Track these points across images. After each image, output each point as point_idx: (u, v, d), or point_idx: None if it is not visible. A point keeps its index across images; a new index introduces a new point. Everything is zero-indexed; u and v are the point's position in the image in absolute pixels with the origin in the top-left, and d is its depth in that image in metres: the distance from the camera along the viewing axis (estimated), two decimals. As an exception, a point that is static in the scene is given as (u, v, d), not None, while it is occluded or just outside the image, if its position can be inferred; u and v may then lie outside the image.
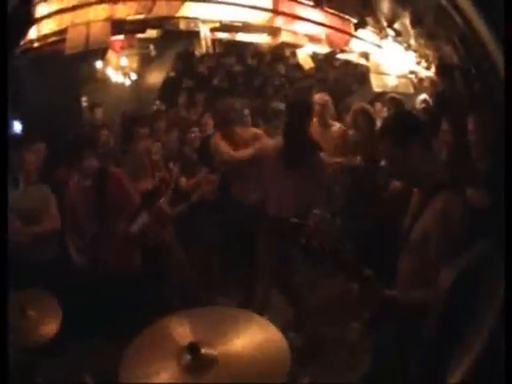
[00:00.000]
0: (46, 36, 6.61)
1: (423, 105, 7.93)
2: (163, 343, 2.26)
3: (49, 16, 6.24)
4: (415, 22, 7.21)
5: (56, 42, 6.77)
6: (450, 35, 6.47)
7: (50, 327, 3.31)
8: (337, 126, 7.36)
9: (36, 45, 6.80)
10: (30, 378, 3.22)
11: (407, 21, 7.37)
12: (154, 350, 2.26)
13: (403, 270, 3.64)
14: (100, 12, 6.26)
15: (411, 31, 7.65)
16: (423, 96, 8.16)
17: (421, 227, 3.52)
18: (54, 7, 6.16)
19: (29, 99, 7.57)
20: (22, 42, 6.38)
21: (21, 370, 3.06)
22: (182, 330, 2.26)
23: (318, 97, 7.34)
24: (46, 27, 6.39)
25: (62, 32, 6.42)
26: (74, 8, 6.18)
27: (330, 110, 7.38)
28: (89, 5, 6.22)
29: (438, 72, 7.66)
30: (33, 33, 6.43)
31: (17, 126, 7.85)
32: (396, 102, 7.78)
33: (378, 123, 6.51)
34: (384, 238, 4.75)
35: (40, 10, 6.18)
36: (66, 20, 6.26)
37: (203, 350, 2.09)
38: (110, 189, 5.40)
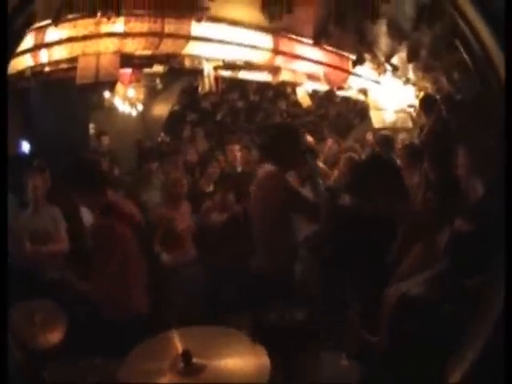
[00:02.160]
0: (57, 62, 6.85)
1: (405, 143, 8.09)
2: (161, 352, 2.50)
3: (60, 43, 6.37)
4: (412, 56, 7.34)
5: (67, 69, 7.09)
6: (445, 66, 6.70)
7: (55, 335, 3.52)
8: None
9: (47, 69, 7.13)
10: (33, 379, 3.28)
11: (404, 55, 7.52)
12: (152, 357, 2.50)
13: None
14: (109, 44, 6.41)
15: (408, 65, 7.82)
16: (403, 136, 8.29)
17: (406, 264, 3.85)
18: (64, 33, 6.28)
19: (38, 122, 7.79)
20: (33, 65, 6.78)
21: (24, 371, 3.11)
22: (179, 343, 2.50)
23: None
24: (57, 53, 6.52)
25: (72, 60, 6.64)
26: (84, 38, 6.29)
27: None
28: (99, 36, 6.34)
29: (423, 106, 7.81)
30: (44, 57, 6.62)
31: (25, 147, 8.09)
32: (387, 140, 7.96)
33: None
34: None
35: (50, 35, 6.33)
36: (76, 48, 6.39)
37: (195, 360, 2.35)
38: None
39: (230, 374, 2.34)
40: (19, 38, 2.85)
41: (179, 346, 2.46)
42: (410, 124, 9.39)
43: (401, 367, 3.58)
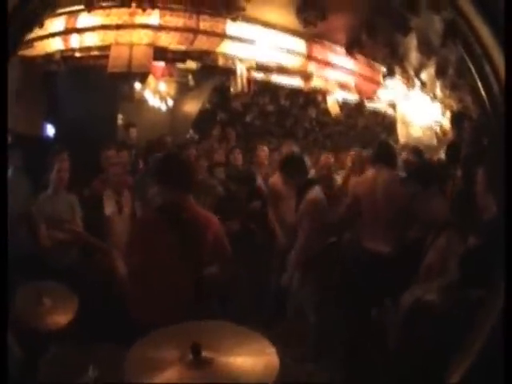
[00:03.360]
0: (88, 48, 6.89)
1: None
2: (171, 343, 2.47)
3: (92, 29, 6.44)
4: (439, 73, 7.35)
5: (98, 56, 7.12)
6: (470, 84, 6.67)
7: (63, 317, 3.39)
8: None
9: (78, 54, 7.14)
10: (34, 363, 3.22)
11: (433, 71, 7.52)
12: (161, 347, 2.48)
13: None
14: (143, 36, 6.47)
15: (436, 82, 7.80)
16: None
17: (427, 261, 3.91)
18: (97, 20, 6.35)
19: (65, 107, 7.79)
20: (63, 48, 6.84)
21: (26, 354, 3.11)
22: (189, 335, 2.46)
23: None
24: (89, 39, 6.59)
25: (104, 48, 6.69)
26: (117, 27, 6.36)
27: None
28: (132, 27, 6.41)
29: (453, 123, 7.80)
30: (75, 42, 6.69)
31: (50, 131, 8.11)
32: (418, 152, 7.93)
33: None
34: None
35: (82, 21, 6.42)
36: (109, 37, 6.45)
37: (204, 353, 2.33)
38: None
39: (237, 371, 2.33)
40: (19, 37, 2.77)
41: (189, 339, 2.40)
42: (434, 141, 9.35)
43: (406, 369, 3.59)
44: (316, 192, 6.01)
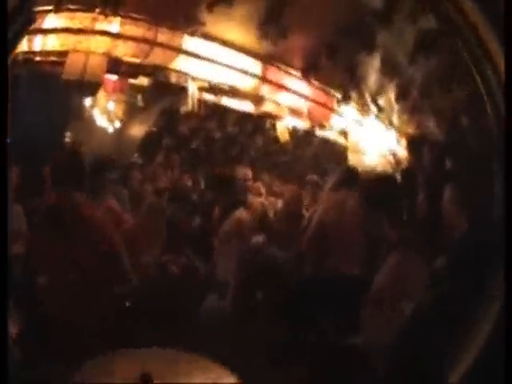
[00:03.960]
0: (48, 53, 6.75)
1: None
2: (117, 372, 2.26)
3: (55, 31, 6.35)
4: (400, 96, 7.34)
5: (56, 62, 6.93)
6: (436, 105, 6.71)
7: None
8: None
9: (38, 58, 6.95)
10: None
11: (392, 95, 7.52)
12: (105, 377, 2.23)
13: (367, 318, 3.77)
14: (101, 44, 6.42)
15: (395, 106, 7.79)
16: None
17: (378, 282, 3.71)
18: (61, 22, 6.29)
19: (21, 114, 7.60)
20: (26, 50, 6.58)
21: None
22: (138, 363, 2.24)
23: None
24: (50, 43, 6.51)
25: (63, 54, 6.56)
26: (78, 31, 6.31)
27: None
28: (92, 33, 6.36)
29: (410, 150, 7.81)
30: (37, 44, 6.57)
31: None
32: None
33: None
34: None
35: (48, 22, 6.30)
36: (69, 41, 6.40)
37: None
38: None
39: None
40: (19, 37, 2.86)
41: (139, 367, 2.17)
42: (389, 170, 9.33)
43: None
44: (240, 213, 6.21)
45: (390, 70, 6.98)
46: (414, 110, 7.31)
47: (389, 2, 6.00)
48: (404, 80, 6.97)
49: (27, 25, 2.82)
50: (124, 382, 2.13)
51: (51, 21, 6.29)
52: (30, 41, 6.52)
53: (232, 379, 2.26)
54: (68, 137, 9.12)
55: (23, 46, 6.51)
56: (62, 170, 4.53)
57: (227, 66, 7.48)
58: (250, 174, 7.21)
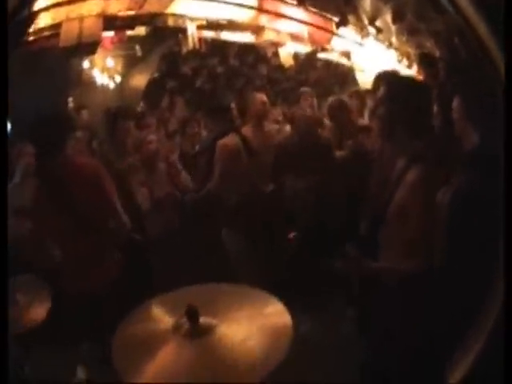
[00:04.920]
0: (41, 30, 6.65)
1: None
2: (163, 313, 2.22)
3: (46, 9, 6.27)
4: (396, 18, 7.24)
5: (49, 36, 6.83)
6: (432, 28, 6.60)
7: (39, 311, 3.23)
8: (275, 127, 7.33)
9: (31, 38, 6.82)
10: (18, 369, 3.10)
11: (389, 17, 7.41)
12: (150, 322, 2.21)
13: (385, 242, 3.72)
14: (93, 7, 6.36)
15: (392, 28, 7.67)
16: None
17: (397, 200, 3.65)
18: (50, 1, 6.22)
19: (18, 96, 7.59)
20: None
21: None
22: (180, 304, 2.13)
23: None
24: (42, 21, 6.42)
25: (56, 26, 6.49)
26: (69, 2, 6.25)
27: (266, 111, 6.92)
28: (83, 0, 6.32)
29: (420, 66, 7.72)
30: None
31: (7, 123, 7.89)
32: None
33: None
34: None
35: (38, 4, 6.17)
36: (60, 14, 6.32)
37: (202, 319, 2.04)
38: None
39: (244, 337, 2.06)
40: (19, 37, 2.74)
41: (182, 305, 2.08)
42: None
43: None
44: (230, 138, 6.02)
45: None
46: (412, 31, 7.23)
47: None
48: (398, 2, 6.87)
49: (28, 25, 2.78)
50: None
51: (40, 2, 6.18)
52: None
53: (278, 305, 2.19)
54: (71, 102, 9.14)
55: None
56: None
57: (223, 1, 7.43)
58: (265, 98, 6.99)
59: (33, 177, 5.87)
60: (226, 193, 5.96)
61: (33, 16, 6.21)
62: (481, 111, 3.82)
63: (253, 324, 2.11)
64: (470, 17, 2.56)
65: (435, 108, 5.61)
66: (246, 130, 6.29)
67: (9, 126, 7.57)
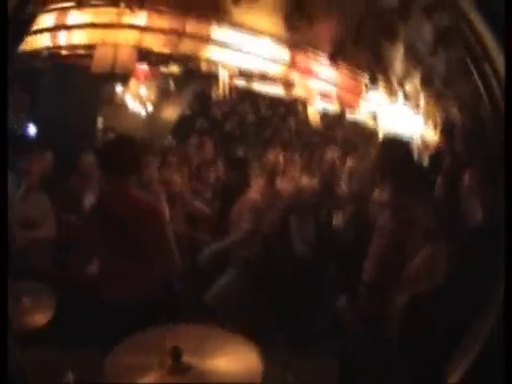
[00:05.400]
0: (74, 46, 6.89)
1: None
2: (150, 347, 2.40)
3: (80, 27, 6.47)
4: (425, 83, 7.38)
5: (83, 55, 7.08)
6: (457, 93, 6.73)
7: (42, 316, 3.35)
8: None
9: (64, 52, 7.13)
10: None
11: (417, 81, 7.55)
12: (140, 352, 2.39)
13: None
14: (129, 37, 6.48)
15: (421, 92, 7.83)
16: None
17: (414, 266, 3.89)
18: (86, 18, 6.41)
19: (47, 105, 7.82)
20: (51, 45, 6.79)
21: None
22: (169, 339, 2.39)
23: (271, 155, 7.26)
24: (77, 37, 6.63)
25: (90, 47, 6.67)
26: (105, 26, 6.40)
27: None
28: (119, 27, 6.43)
29: (442, 132, 7.79)
30: (62, 39, 6.70)
31: (32, 129, 8.09)
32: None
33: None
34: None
35: (72, 18, 6.46)
36: (96, 36, 6.47)
37: (184, 358, 2.26)
38: None
39: (220, 376, 2.27)
40: (19, 37, 2.85)
41: (169, 342, 2.33)
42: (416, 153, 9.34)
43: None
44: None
45: (413, 58, 7.00)
46: (439, 96, 7.34)
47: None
48: (427, 68, 6.96)
49: (28, 25, 2.81)
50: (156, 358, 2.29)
51: (75, 17, 6.44)
52: (54, 37, 6.68)
53: (253, 353, 2.38)
54: (101, 122, 9.27)
55: (46, 41, 6.75)
56: (113, 155, 4.49)
57: (256, 53, 7.52)
58: (280, 157, 7.20)
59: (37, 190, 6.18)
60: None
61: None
62: (489, 188, 3.97)
63: (230, 366, 2.32)
64: (472, 19, 2.64)
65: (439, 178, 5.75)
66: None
67: (32, 131, 7.92)
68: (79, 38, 6.62)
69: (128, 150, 4.51)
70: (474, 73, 2.88)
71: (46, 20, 6.57)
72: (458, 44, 5.42)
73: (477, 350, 2.50)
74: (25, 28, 2.76)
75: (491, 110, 2.76)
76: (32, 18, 2.78)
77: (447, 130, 7.14)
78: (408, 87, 7.95)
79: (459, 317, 3.05)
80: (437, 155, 6.85)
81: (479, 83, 2.84)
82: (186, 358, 2.26)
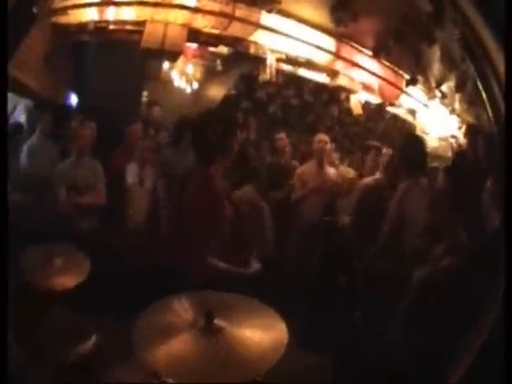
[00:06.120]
0: (123, 22, 7.03)
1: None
2: (182, 309, 2.58)
3: (129, 4, 6.67)
4: (459, 87, 7.47)
5: (132, 31, 7.18)
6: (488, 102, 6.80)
7: (72, 279, 3.32)
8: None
9: (111, 27, 7.22)
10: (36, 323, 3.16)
11: (452, 84, 7.66)
12: (171, 313, 2.57)
13: None
14: (179, 16, 6.67)
15: (456, 95, 7.93)
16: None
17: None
18: None
19: (93, 78, 7.96)
20: (97, 20, 6.96)
21: (29, 315, 3.07)
22: (201, 303, 2.59)
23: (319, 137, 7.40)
24: (126, 13, 6.80)
25: (139, 23, 6.82)
26: (155, 4, 6.58)
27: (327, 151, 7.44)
28: (170, 6, 6.64)
29: (467, 136, 7.84)
30: (110, 14, 6.89)
31: (74, 99, 8.23)
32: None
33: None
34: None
35: None
36: (145, 13, 6.63)
37: (216, 321, 2.45)
38: None
39: (246, 342, 2.43)
40: (19, 36, 2.83)
41: (203, 306, 2.52)
42: (449, 153, 9.37)
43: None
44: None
45: (448, 61, 7.09)
46: (471, 101, 7.41)
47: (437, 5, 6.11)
48: (460, 73, 7.09)
49: (27, 24, 2.90)
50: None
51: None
52: (101, 12, 6.89)
53: (279, 320, 2.57)
54: (145, 96, 9.43)
55: (93, 15, 6.95)
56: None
57: (303, 41, 7.76)
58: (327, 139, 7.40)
59: (90, 157, 6.40)
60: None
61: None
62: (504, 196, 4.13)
63: (257, 331, 2.52)
64: (472, 19, 2.79)
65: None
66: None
67: (75, 100, 8.12)
68: (128, 14, 6.79)
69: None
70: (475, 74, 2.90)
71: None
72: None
73: (477, 349, 2.58)
74: (25, 28, 2.81)
75: (491, 110, 2.80)
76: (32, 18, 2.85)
77: (474, 134, 7.21)
78: (444, 88, 8.04)
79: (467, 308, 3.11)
80: (460, 158, 6.94)
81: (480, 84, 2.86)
82: (218, 322, 2.46)
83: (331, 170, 7.48)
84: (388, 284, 5.14)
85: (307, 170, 7.24)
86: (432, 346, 3.44)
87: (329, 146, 7.44)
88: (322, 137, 7.33)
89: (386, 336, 4.62)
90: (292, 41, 7.73)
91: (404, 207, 5.62)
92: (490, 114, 2.70)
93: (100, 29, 7.25)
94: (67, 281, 3.30)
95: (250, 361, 2.36)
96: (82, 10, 6.93)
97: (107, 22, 7.11)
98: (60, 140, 6.93)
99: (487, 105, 2.78)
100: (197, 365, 2.31)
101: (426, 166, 5.98)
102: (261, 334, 2.51)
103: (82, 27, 7.23)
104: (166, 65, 9.71)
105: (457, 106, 8.28)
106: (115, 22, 7.12)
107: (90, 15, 7.01)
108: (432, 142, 9.36)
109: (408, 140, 6.22)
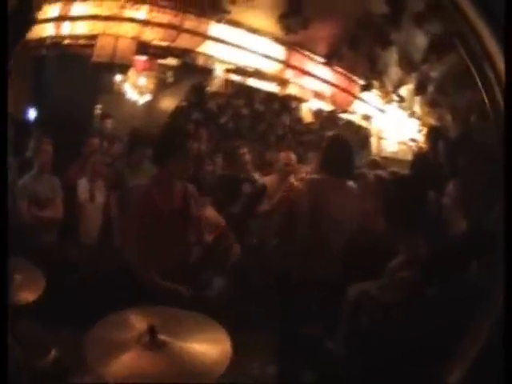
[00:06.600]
0: (77, 36, 7.05)
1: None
2: (127, 326, 2.63)
3: (83, 18, 6.66)
4: (419, 89, 7.53)
5: (85, 45, 7.19)
6: (451, 103, 6.93)
7: (31, 294, 3.40)
8: None
9: (66, 42, 7.25)
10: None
11: (412, 87, 7.71)
12: (118, 329, 2.62)
13: None
14: (129, 30, 6.68)
15: (415, 98, 7.98)
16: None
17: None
18: (89, 10, 6.59)
19: (49, 92, 8.02)
20: (54, 35, 6.95)
21: None
22: (145, 319, 2.64)
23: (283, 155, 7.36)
24: (79, 28, 6.81)
25: (91, 37, 6.86)
26: (106, 18, 6.59)
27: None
28: (120, 20, 6.62)
29: (428, 139, 7.89)
30: (66, 29, 6.89)
31: (32, 114, 8.27)
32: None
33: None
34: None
35: (75, 9, 6.65)
36: (98, 27, 6.67)
37: (160, 336, 2.52)
38: None
39: (191, 356, 2.49)
40: (19, 36, 2.85)
41: (146, 322, 2.58)
42: (409, 157, 9.38)
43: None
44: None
45: (406, 64, 7.12)
46: (433, 103, 7.46)
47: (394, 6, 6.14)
48: (421, 75, 7.15)
49: (28, 25, 2.86)
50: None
51: (78, 8, 6.63)
52: (57, 27, 6.87)
53: (226, 339, 2.62)
54: (99, 109, 9.37)
55: (50, 30, 6.93)
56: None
57: (252, 50, 7.74)
58: (293, 157, 7.35)
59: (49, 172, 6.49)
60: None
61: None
62: (474, 200, 4.09)
63: (202, 345, 2.58)
64: (473, 20, 2.64)
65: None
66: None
67: (32, 114, 8.06)
68: (82, 28, 6.81)
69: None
70: (475, 74, 2.89)
71: (50, 10, 6.73)
72: (454, 52, 5.45)
73: (477, 349, 2.56)
74: (25, 28, 2.80)
75: (492, 111, 2.79)
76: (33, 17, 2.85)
77: (434, 138, 7.23)
78: (403, 92, 8.07)
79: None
80: (421, 162, 6.96)
81: (480, 84, 2.86)
82: (162, 337, 2.52)
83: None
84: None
85: (270, 183, 7.21)
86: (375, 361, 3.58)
87: (295, 166, 7.42)
88: (289, 155, 7.29)
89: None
90: (241, 51, 7.72)
91: (316, 205, 5.57)
92: (490, 113, 2.64)
93: (56, 43, 7.27)
94: (27, 295, 3.39)
95: (196, 374, 2.44)
96: (41, 26, 6.87)
97: (63, 36, 7.13)
98: (20, 155, 6.92)
99: (487, 105, 2.70)
100: (144, 379, 2.41)
101: (352, 168, 6.03)
102: (206, 347, 2.58)
103: (40, 42, 7.22)
104: (118, 77, 9.67)
105: (417, 108, 8.32)
106: (70, 37, 7.16)
107: (48, 30, 7.01)
108: (390, 146, 9.39)
109: (333, 142, 6.13)
